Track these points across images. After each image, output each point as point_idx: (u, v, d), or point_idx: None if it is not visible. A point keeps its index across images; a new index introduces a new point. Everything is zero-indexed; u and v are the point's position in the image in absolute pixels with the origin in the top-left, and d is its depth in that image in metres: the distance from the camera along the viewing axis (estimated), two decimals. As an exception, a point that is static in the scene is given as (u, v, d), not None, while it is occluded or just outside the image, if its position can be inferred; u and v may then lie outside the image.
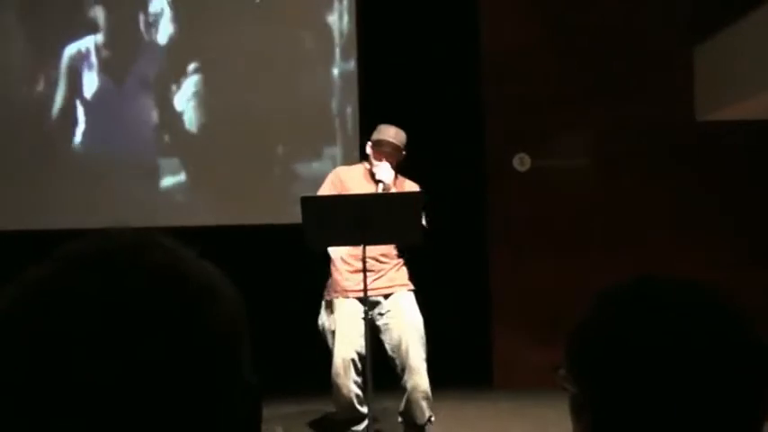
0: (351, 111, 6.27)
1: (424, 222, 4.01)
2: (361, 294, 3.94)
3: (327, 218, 3.75)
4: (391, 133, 4.23)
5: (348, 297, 4.17)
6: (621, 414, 0.86)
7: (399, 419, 4.28)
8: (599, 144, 6.39)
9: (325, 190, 4.25)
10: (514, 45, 6.36)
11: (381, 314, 4.21)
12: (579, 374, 0.90)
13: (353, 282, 4.12)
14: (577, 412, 0.91)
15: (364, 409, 4.12)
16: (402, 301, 4.22)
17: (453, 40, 6.39)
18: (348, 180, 4.27)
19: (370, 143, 4.30)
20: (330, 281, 4.28)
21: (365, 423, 4.12)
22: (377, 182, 4.12)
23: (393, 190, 4.13)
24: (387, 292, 4.22)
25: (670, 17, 6.35)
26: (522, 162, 6.41)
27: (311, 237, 3.80)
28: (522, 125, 6.35)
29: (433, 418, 4.24)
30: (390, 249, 4.27)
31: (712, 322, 0.87)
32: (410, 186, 4.28)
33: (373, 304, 4.15)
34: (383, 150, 4.20)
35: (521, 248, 6.30)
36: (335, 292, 4.24)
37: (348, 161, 5.48)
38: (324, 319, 4.24)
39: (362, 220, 3.67)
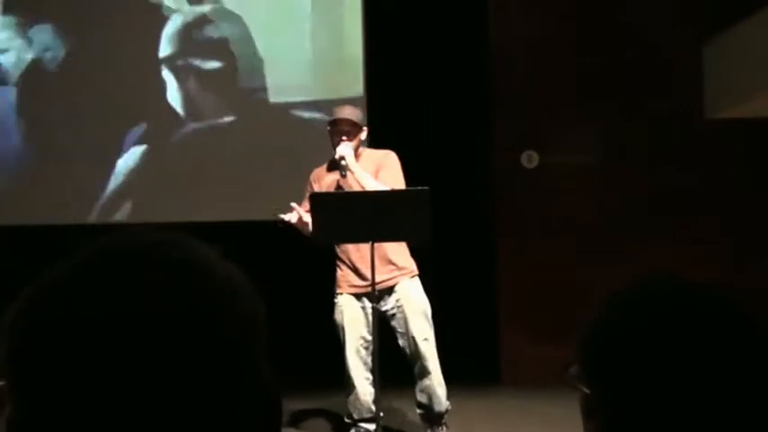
0: (359, 106, 6.25)
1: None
2: (364, 290, 4.05)
3: (336, 215, 3.75)
4: (345, 111, 4.20)
5: (351, 293, 4.18)
6: (634, 416, 0.86)
7: (419, 412, 4.26)
8: (608, 141, 6.37)
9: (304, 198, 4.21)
10: (523, 41, 6.34)
11: (388, 305, 4.19)
12: (592, 376, 0.90)
13: (354, 278, 4.16)
14: (589, 413, 0.91)
15: (373, 408, 4.13)
16: (409, 290, 4.19)
17: (461, 36, 6.38)
18: (319, 179, 4.25)
19: (328, 127, 4.24)
20: (337, 276, 4.28)
21: (374, 425, 4.12)
22: (339, 161, 4.05)
23: (353, 165, 4.03)
24: (391, 283, 4.18)
25: (680, 14, 6.32)
26: (530, 159, 6.40)
27: (319, 233, 3.81)
28: (530, 122, 6.33)
29: (449, 408, 4.23)
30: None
31: (726, 324, 0.86)
32: (381, 156, 4.21)
33: (379, 297, 4.12)
34: (340, 130, 4.13)
35: (528, 245, 6.29)
36: (339, 287, 4.24)
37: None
38: (337, 314, 4.24)
39: (371, 217, 3.67)
